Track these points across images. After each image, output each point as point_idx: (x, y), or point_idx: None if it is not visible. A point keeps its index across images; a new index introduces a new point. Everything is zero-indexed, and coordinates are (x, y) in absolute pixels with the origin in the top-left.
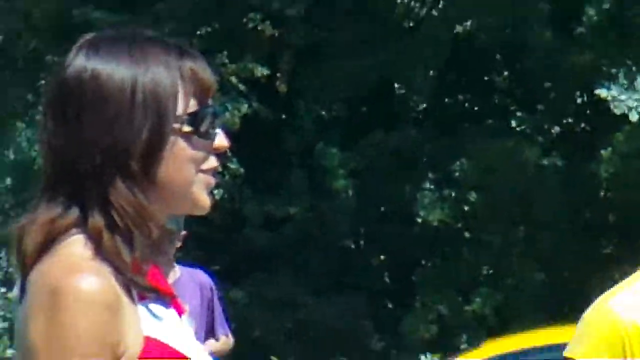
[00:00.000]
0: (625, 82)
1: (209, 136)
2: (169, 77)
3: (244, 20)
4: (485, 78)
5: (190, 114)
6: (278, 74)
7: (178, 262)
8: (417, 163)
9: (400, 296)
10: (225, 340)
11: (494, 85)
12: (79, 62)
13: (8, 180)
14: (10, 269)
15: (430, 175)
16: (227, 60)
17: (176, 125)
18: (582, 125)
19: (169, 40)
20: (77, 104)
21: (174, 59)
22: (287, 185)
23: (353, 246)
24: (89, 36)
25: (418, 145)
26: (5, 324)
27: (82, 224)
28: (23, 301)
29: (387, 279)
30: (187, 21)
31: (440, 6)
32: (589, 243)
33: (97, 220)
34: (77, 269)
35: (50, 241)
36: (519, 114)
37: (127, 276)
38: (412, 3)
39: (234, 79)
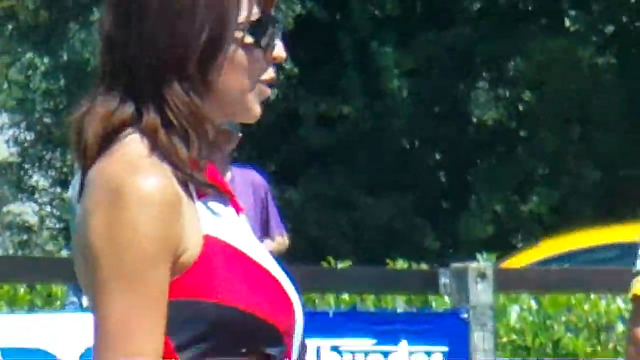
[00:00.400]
0: None
1: (268, 47)
2: None
3: None
4: None
5: (252, 23)
6: None
7: (230, 163)
8: (471, 62)
9: (456, 196)
10: (280, 240)
11: None
12: None
13: (62, 82)
14: (65, 169)
15: (484, 74)
16: None
17: (237, 34)
18: (637, 23)
19: None
20: None
21: None
22: (341, 85)
23: (408, 146)
24: None
25: (472, 44)
26: (61, 225)
27: (137, 121)
28: (82, 198)
29: (442, 179)
30: None
31: None
32: None
33: (152, 116)
34: (138, 168)
35: (108, 134)
36: (572, 12)
37: (186, 172)
38: None
39: None
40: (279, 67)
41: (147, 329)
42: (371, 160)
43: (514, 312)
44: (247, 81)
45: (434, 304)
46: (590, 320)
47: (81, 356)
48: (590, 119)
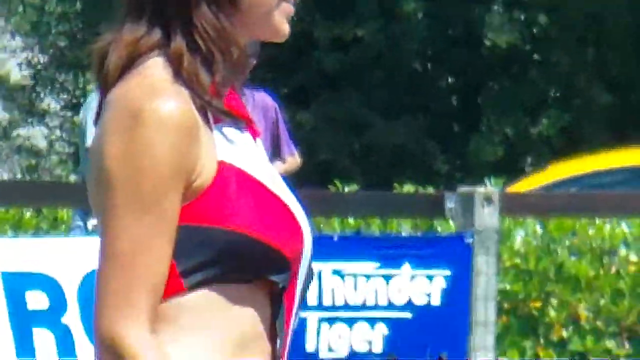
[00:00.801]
0: None
1: None
2: None
3: None
4: None
5: None
6: None
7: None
8: None
9: (467, 118)
10: (291, 160)
11: None
12: None
13: (78, 5)
14: (78, 92)
15: None
16: None
17: None
18: None
19: None
20: None
21: None
22: (357, 8)
23: (421, 69)
24: None
25: None
26: (70, 149)
27: (164, 45)
28: (100, 120)
29: (454, 102)
30: None
31: None
32: None
33: (179, 41)
34: (158, 92)
35: (132, 60)
36: None
37: (205, 99)
38: None
39: None
40: None
41: (157, 252)
42: (383, 83)
43: (518, 236)
44: (274, 0)
45: (439, 229)
46: (594, 244)
47: (81, 282)
48: (604, 41)
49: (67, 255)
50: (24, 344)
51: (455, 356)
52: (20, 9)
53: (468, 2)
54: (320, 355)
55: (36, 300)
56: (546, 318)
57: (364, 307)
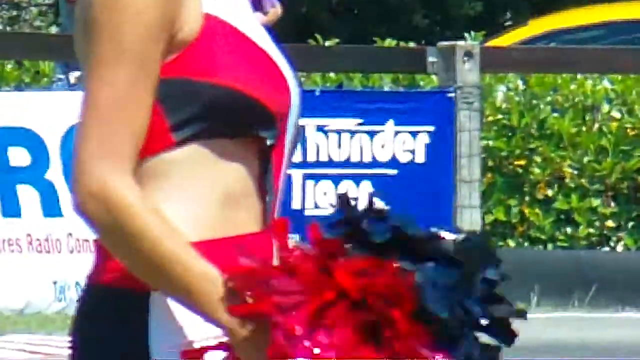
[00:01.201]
0: None
1: None
2: None
3: None
4: None
5: None
6: None
7: None
8: None
9: None
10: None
11: None
12: None
13: None
14: None
15: None
16: None
17: None
18: None
19: None
20: None
21: None
22: None
23: None
24: None
25: None
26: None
27: None
28: None
29: None
30: None
31: None
32: None
33: None
34: None
35: None
36: None
37: None
38: None
39: None
40: None
41: (138, 102)
42: None
43: (500, 92)
44: None
45: (421, 84)
46: (576, 100)
47: (63, 136)
48: None
49: (49, 109)
50: (9, 203)
51: (441, 214)
52: None
53: None
54: (306, 213)
55: (19, 156)
56: (530, 176)
57: (348, 163)
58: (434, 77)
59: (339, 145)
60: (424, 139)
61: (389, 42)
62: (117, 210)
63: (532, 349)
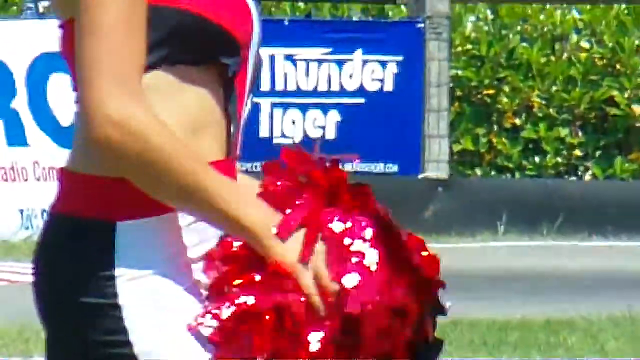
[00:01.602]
0: None
1: None
2: None
3: None
4: None
5: None
6: None
7: None
8: None
9: None
10: None
11: None
12: None
13: None
14: None
15: None
16: None
17: None
18: None
19: None
20: None
21: None
22: None
23: None
24: None
25: None
26: None
27: None
28: None
29: None
30: None
31: None
32: None
33: None
34: None
35: None
36: None
37: None
38: None
39: None
40: None
41: (139, 28)
42: None
43: (469, 22)
44: None
45: (390, 14)
46: (545, 30)
47: (30, 65)
48: None
49: (18, 39)
50: None
51: (409, 143)
52: None
53: None
54: (274, 141)
55: None
56: (499, 105)
57: (315, 93)
58: (403, 7)
59: (307, 74)
60: (392, 69)
61: None
62: (143, 133)
63: (499, 277)
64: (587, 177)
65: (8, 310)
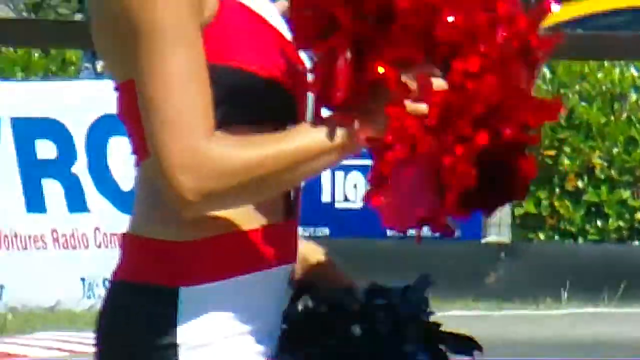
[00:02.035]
0: None
1: None
2: None
3: None
4: None
5: None
6: None
7: None
8: None
9: None
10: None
11: None
12: None
13: None
14: None
15: None
16: None
17: None
18: None
19: None
20: None
21: None
22: None
23: None
24: None
25: None
26: None
27: None
28: None
29: None
30: None
31: None
32: None
33: None
34: None
35: None
36: None
37: None
38: None
39: None
40: None
41: (200, 79)
42: None
43: None
44: None
45: None
46: (604, 89)
47: (90, 127)
48: None
49: (76, 100)
50: (34, 198)
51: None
52: None
53: None
54: (336, 205)
55: (46, 148)
56: (560, 167)
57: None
58: None
59: None
60: None
61: None
62: (230, 167)
63: (562, 346)
64: None
65: None
